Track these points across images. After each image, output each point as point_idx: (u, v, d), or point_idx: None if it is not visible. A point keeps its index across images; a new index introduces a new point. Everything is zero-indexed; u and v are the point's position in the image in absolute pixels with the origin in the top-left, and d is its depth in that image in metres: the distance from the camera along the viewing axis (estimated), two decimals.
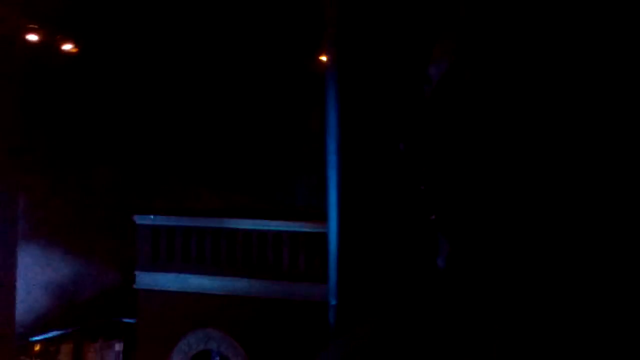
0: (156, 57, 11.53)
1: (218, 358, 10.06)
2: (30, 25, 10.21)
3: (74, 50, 10.86)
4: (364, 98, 1.14)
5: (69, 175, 11.23)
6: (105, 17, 10.76)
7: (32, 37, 10.33)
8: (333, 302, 0.98)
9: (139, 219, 10.44)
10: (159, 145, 12.13)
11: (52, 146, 10.99)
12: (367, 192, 1.04)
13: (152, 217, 10.39)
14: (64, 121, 11.10)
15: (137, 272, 10.43)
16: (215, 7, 11.07)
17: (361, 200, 1.05)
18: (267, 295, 9.66)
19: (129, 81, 11.65)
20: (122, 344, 11.12)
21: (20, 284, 10.52)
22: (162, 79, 11.78)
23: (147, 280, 10.31)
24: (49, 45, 10.57)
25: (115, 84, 11.55)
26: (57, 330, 10.88)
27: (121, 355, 11.20)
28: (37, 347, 10.66)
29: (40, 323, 10.74)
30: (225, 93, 11.81)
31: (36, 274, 10.76)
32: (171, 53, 11.50)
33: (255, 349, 9.74)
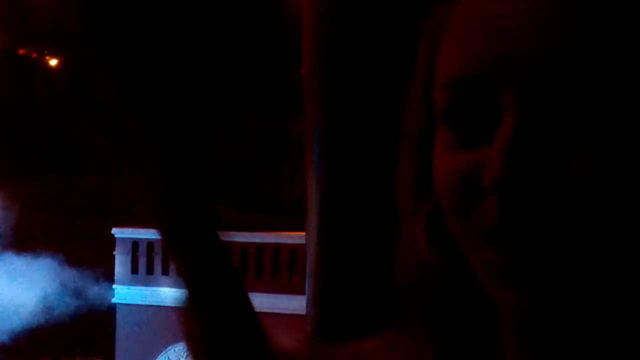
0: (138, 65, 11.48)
1: None
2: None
3: (59, 61, 10.79)
4: (342, 113, 1.13)
5: (50, 184, 11.10)
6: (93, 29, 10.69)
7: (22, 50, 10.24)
8: (311, 312, 0.97)
9: (117, 233, 10.33)
10: None
11: (30, 155, 10.86)
12: (349, 199, 1.03)
13: (130, 230, 10.29)
14: (45, 130, 10.98)
15: (115, 286, 10.30)
16: (200, 23, 11.07)
17: (342, 207, 1.03)
18: None
19: (110, 90, 11.58)
20: (100, 359, 10.97)
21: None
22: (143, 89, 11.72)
23: (125, 294, 10.19)
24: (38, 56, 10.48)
25: (97, 93, 11.47)
26: (34, 346, 10.71)
27: None
28: None
29: (16, 340, 10.55)
30: (209, 104, 11.79)
31: (13, 286, 10.58)
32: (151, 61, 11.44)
33: None
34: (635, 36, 0.34)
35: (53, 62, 10.97)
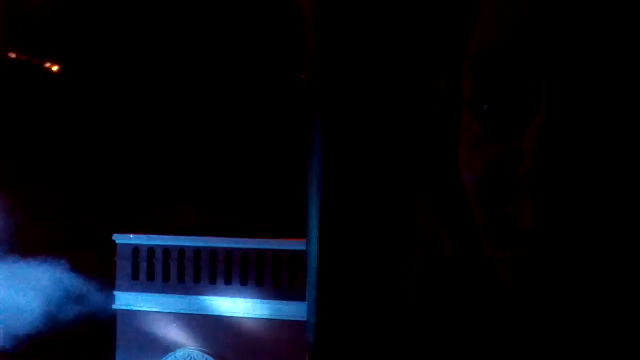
0: (139, 76, 11.50)
1: None
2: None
3: (55, 68, 10.80)
4: (346, 120, 1.13)
5: (50, 192, 11.10)
6: (87, 36, 10.72)
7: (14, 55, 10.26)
8: (312, 320, 0.96)
9: (118, 238, 10.32)
10: (142, 163, 12.06)
11: (30, 162, 10.87)
12: (350, 205, 1.02)
13: (132, 236, 10.28)
14: (45, 138, 11.00)
15: (116, 293, 10.29)
16: (200, 29, 11.10)
17: (344, 212, 1.03)
18: (250, 315, 9.58)
19: (113, 100, 11.60)
20: None
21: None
22: (145, 98, 11.75)
23: (126, 300, 10.17)
24: (30, 63, 10.49)
25: (99, 103, 11.50)
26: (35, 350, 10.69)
27: None
28: None
29: (17, 346, 10.53)
30: (207, 112, 11.80)
31: (13, 292, 10.57)
32: (153, 71, 11.48)
33: None
34: None
35: (55, 68, 10.99)
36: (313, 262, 0.94)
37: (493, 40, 0.35)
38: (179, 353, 9.90)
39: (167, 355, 9.92)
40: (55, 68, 10.86)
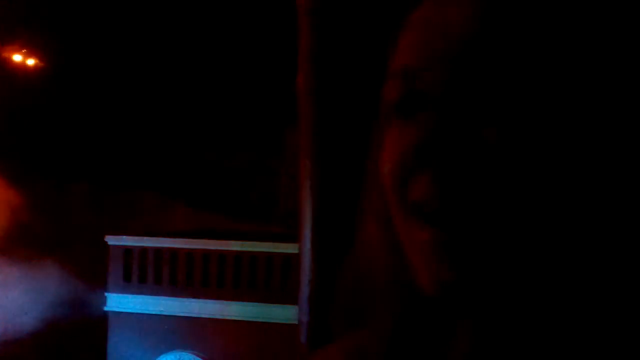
0: (134, 72, 11.48)
1: None
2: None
3: (42, 64, 10.76)
4: (339, 115, 1.15)
5: (41, 192, 11.05)
6: (80, 31, 10.69)
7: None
8: (304, 319, 0.97)
9: (110, 240, 10.29)
10: (135, 163, 12.02)
11: (20, 161, 10.82)
12: (342, 208, 1.04)
13: (124, 237, 10.25)
14: (35, 136, 10.95)
15: (107, 294, 10.25)
16: (192, 23, 11.08)
17: (335, 216, 1.04)
18: (242, 318, 9.56)
19: (106, 97, 11.56)
20: None
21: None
22: (138, 97, 11.72)
23: (118, 302, 10.14)
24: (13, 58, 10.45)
25: (92, 100, 11.46)
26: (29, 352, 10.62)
27: None
28: None
29: (6, 348, 10.47)
30: (202, 111, 11.78)
31: (4, 293, 10.51)
32: (147, 68, 11.45)
33: None
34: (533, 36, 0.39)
35: (30, 61, 10.92)
36: (305, 264, 0.95)
37: (403, 57, 0.43)
38: (170, 355, 9.86)
39: (158, 358, 9.88)
40: (30, 62, 10.80)
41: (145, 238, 10.20)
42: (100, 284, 10.41)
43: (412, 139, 0.41)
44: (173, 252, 10.06)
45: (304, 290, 1.01)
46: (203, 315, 9.71)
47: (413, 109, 0.41)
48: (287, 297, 9.08)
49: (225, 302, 9.68)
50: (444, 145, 0.39)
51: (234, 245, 9.87)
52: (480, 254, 0.38)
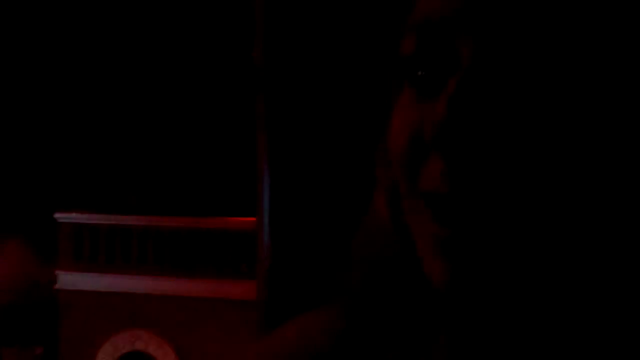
0: (92, 56, 11.17)
1: None
2: None
3: None
4: (294, 93, 1.13)
5: None
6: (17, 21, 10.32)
7: None
8: (263, 295, 0.96)
9: (60, 217, 10.06)
10: (87, 143, 11.75)
11: None
12: (301, 184, 1.02)
13: (74, 214, 10.04)
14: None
15: (58, 272, 10.05)
16: (148, 12, 10.83)
17: (294, 192, 1.03)
18: (195, 294, 9.52)
19: (59, 76, 11.23)
20: (42, 348, 10.70)
21: None
22: (90, 74, 11.42)
23: (69, 280, 9.95)
24: None
25: (43, 79, 11.11)
26: None
27: None
28: None
29: None
30: (156, 96, 11.57)
31: None
32: (98, 47, 11.16)
33: (185, 348, 9.58)
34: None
35: None
36: (265, 237, 0.94)
37: (426, 9, 0.35)
38: (126, 333, 9.77)
39: (113, 336, 9.78)
40: None
41: (96, 215, 10.01)
42: (52, 263, 10.20)
43: (427, 113, 0.33)
44: (126, 228, 9.91)
45: (262, 266, 0.99)
46: (157, 293, 9.63)
47: (432, 74, 0.34)
48: (243, 273, 9.07)
49: (179, 279, 9.62)
50: (468, 125, 0.31)
51: (189, 222, 9.80)
52: (490, 254, 0.33)
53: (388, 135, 0.37)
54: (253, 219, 1.11)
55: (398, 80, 0.36)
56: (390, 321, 0.39)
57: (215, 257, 9.71)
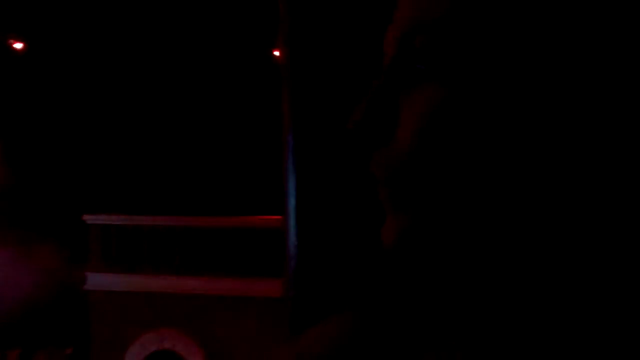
0: (101, 53, 11.29)
1: None
2: None
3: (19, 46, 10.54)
4: (318, 94, 1.14)
5: (18, 174, 10.89)
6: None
7: None
8: (291, 293, 0.98)
9: (89, 219, 10.21)
10: (114, 146, 11.89)
11: None
12: (326, 182, 1.04)
13: (102, 216, 10.18)
14: (9, 120, 10.75)
15: (87, 273, 10.19)
16: (169, 13, 10.91)
17: (320, 190, 1.04)
18: (223, 293, 9.58)
19: (80, 79, 11.38)
20: (72, 348, 10.87)
21: None
22: (111, 77, 11.55)
23: (98, 281, 10.09)
24: None
25: (63, 82, 11.26)
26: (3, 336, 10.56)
27: None
28: None
29: None
30: (181, 97, 11.66)
31: None
32: (115, 47, 11.28)
33: (213, 347, 9.65)
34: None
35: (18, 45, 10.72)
36: (292, 238, 0.94)
37: (397, 25, 0.38)
38: (153, 333, 9.88)
39: (141, 336, 9.89)
40: (18, 46, 10.59)
41: (124, 216, 10.13)
42: (82, 264, 10.35)
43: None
44: (152, 229, 10.01)
45: (289, 264, 1.01)
46: (184, 292, 9.72)
47: (408, 79, 0.36)
48: (267, 271, 9.10)
49: (206, 278, 9.69)
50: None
51: (215, 221, 9.86)
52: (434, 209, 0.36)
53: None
54: (279, 217, 1.12)
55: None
56: (398, 329, 0.40)
57: (242, 255, 9.76)
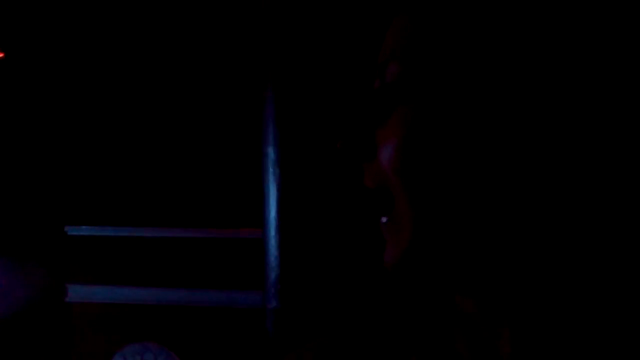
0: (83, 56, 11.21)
1: None
2: None
3: None
4: (302, 101, 1.15)
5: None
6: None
7: None
8: (272, 305, 0.98)
9: (70, 230, 10.11)
10: (95, 156, 11.78)
11: None
12: (309, 191, 1.04)
13: (84, 227, 10.08)
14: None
15: (68, 285, 10.08)
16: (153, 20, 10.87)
17: (302, 199, 1.05)
18: (203, 304, 9.51)
19: (61, 89, 11.28)
20: None
21: None
22: (92, 84, 11.46)
23: (79, 292, 9.98)
24: None
25: (44, 90, 11.16)
26: None
27: None
28: None
29: None
30: (161, 108, 11.59)
31: None
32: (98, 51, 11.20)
33: (193, 359, 9.57)
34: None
35: None
36: (273, 249, 0.95)
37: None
38: (134, 346, 9.78)
39: (122, 348, 9.78)
40: None
41: (105, 227, 10.04)
42: (62, 276, 10.22)
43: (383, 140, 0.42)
44: (134, 239, 9.93)
45: (269, 276, 1.01)
46: (166, 303, 9.64)
47: (385, 105, 0.42)
48: (248, 282, 9.05)
49: (186, 289, 9.62)
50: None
51: (194, 233, 9.80)
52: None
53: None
54: (259, 230, 1.13)
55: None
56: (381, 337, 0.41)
57: (222, 267, 9.71)
